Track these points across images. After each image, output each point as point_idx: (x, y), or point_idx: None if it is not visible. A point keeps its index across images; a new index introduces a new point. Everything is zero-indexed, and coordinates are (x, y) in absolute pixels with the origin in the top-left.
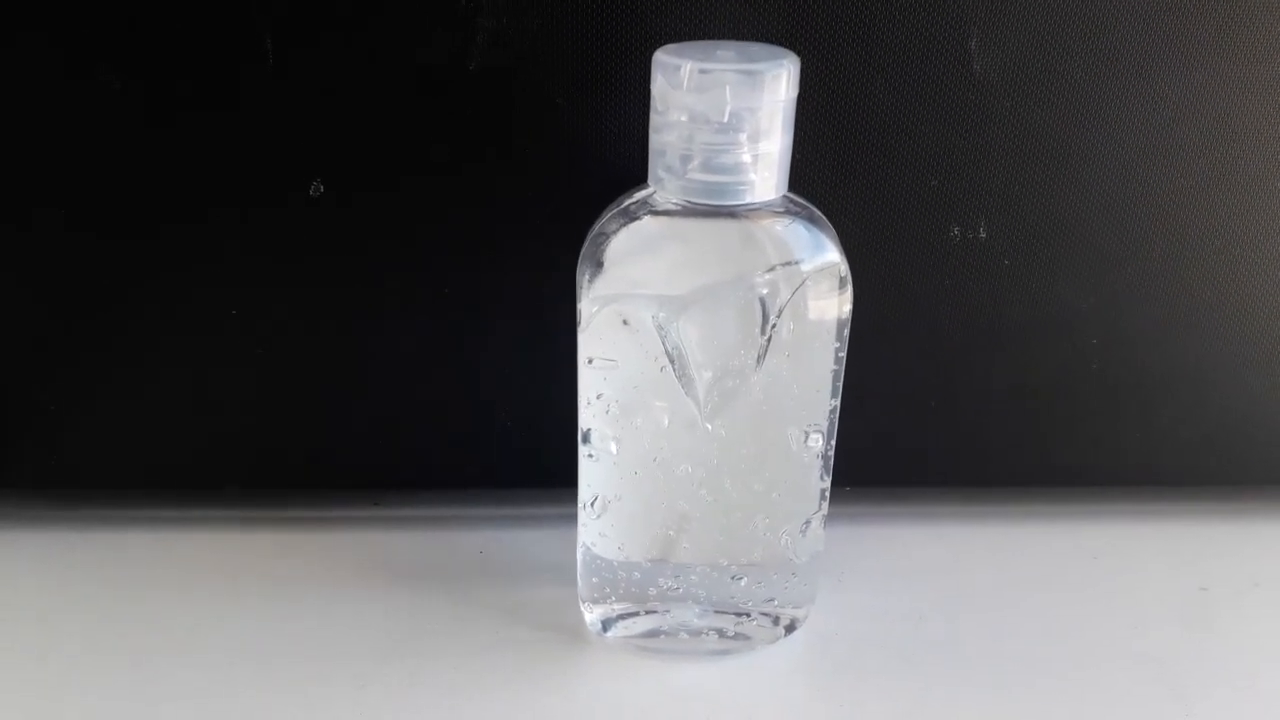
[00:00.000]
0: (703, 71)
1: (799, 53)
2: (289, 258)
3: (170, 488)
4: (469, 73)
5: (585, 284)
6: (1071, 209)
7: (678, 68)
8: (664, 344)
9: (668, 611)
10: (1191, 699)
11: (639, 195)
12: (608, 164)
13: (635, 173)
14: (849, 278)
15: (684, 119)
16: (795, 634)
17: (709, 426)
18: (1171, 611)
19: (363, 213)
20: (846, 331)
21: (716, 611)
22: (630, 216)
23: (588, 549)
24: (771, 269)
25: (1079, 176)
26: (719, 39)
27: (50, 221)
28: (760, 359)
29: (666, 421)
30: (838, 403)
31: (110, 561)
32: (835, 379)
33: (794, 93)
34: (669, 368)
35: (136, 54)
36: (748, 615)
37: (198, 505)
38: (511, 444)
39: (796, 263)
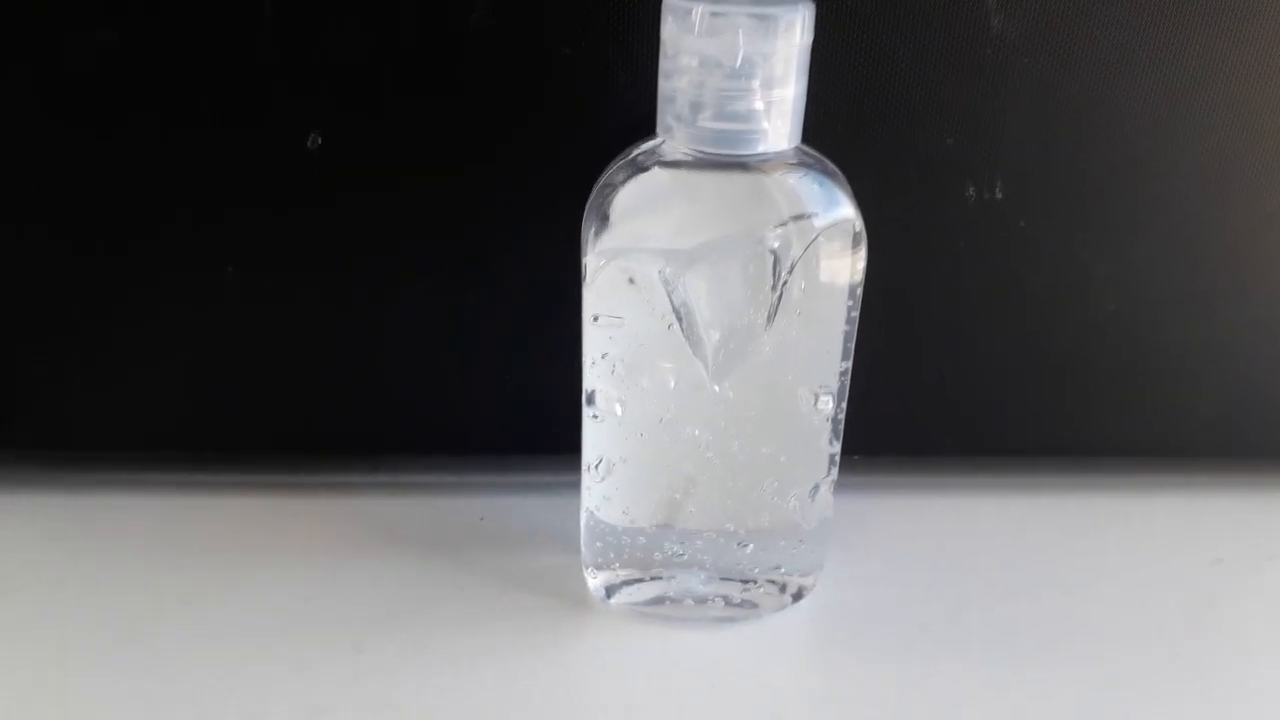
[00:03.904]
0: (714, 15)
1: (814, 1)
2: (288, 218)
3: (167, 451)
4: (472, 22)
5: (591, 238)
6: (1090, 171)
7: (689, 11)
8: (671, 300)
9: (673, 578)
10: (1206, 672)
11: (647, 146)
12: (616, 115)
13: (644, 125)
14: (863, 234)
15: (695, 64)
16: (802, 602)
17: (717, 388)
18: (1186, 584)
19: (364, 169)
20: (860, 290)
21: (723, 578)
22: (638, 167)
23: (591, 514)
24: (783, 223)
25: (1098, 138)
26: None
27: (49, 184)
28: (770, 317)
29: (673, 383)
30: (849, 365)
31: (107, 525)
32: (847, 340)
33: (808, 39)
34: (676, 326)
35: (135, 10)
36: (754, 582)
37: (195, 469)
38: (514, 407)
39: (809, 216)
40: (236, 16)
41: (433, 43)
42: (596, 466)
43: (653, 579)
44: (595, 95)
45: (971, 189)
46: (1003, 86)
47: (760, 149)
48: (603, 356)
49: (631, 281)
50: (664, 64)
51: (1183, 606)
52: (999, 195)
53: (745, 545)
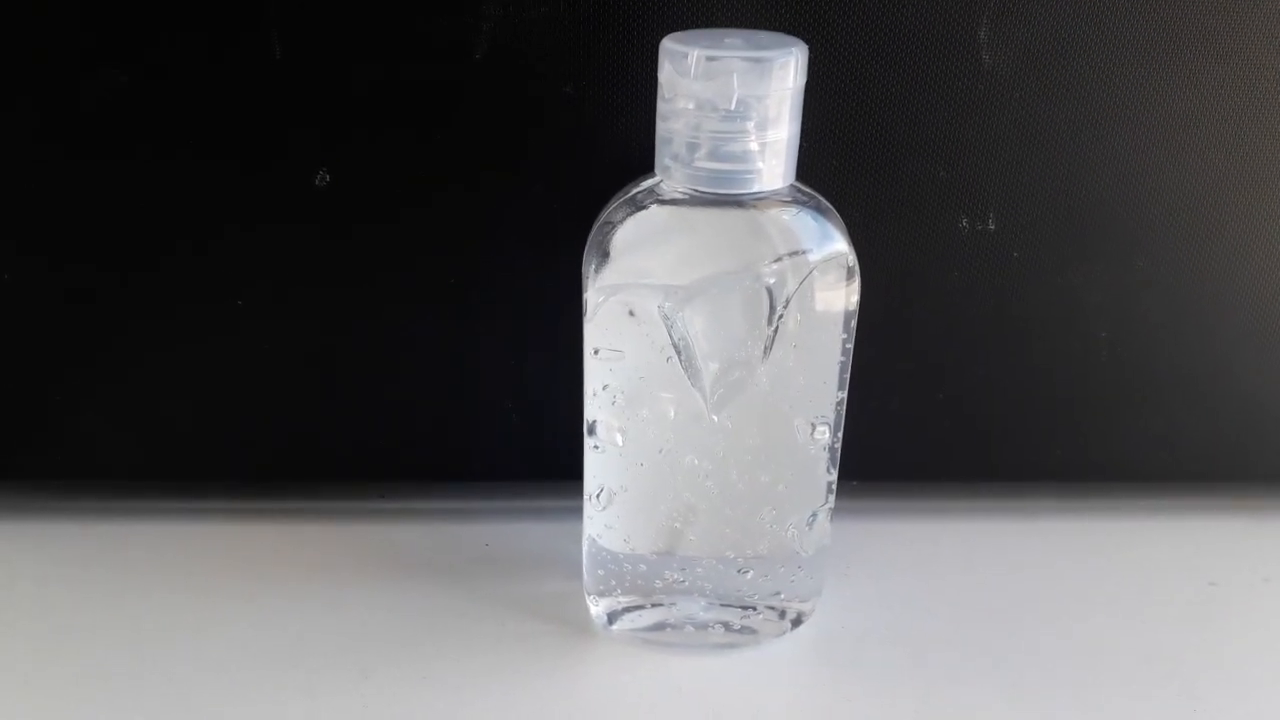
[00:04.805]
0: (710, 59)
1: (807, 41)
2: (295, 249)
3: (175, 480)
4: (475, 61)
5: (591, 274)
6: (1081, 201)
7: (685, 55)
8: (670, 334)
9: (674, 604)
10: (1201, 694)
11: (646, 184)
12: (615, 152)
13: (643, 162)
14: (856, 268)
15: (691, 107)
16: (801, 628)
17: (715, 418)
18: (1181, 607)
19: (369, 203)
20: (854, 322)
21: (722, 605)
22: (637, 205)
23: (593, 541)
24: (779, 259)
25: (1089, 168)
26: (728, 27)
27: (55, 213)
28: (767, 350)
29: (673, 413)
30: (845, 395)
31: (115, 553)
32: (842, 370)
33: (802, 81)
34: (675, 358)
35: (145, 47)
36: (754, 609)
37: (202, 498)
38: (517, 436)
39: (804, 252)
40: (247, 57)
41: (437, 81)
42: (598, 496)
43: (654, 606)
44: (595, 133)
45: (965, 221)
46: (994, 120)
47: (755, 188)
48: (604, 388)
49: (631, 315)
50: (661, 106)
51: (1178, 630)
52: (991, 226)
53: (745, 572)
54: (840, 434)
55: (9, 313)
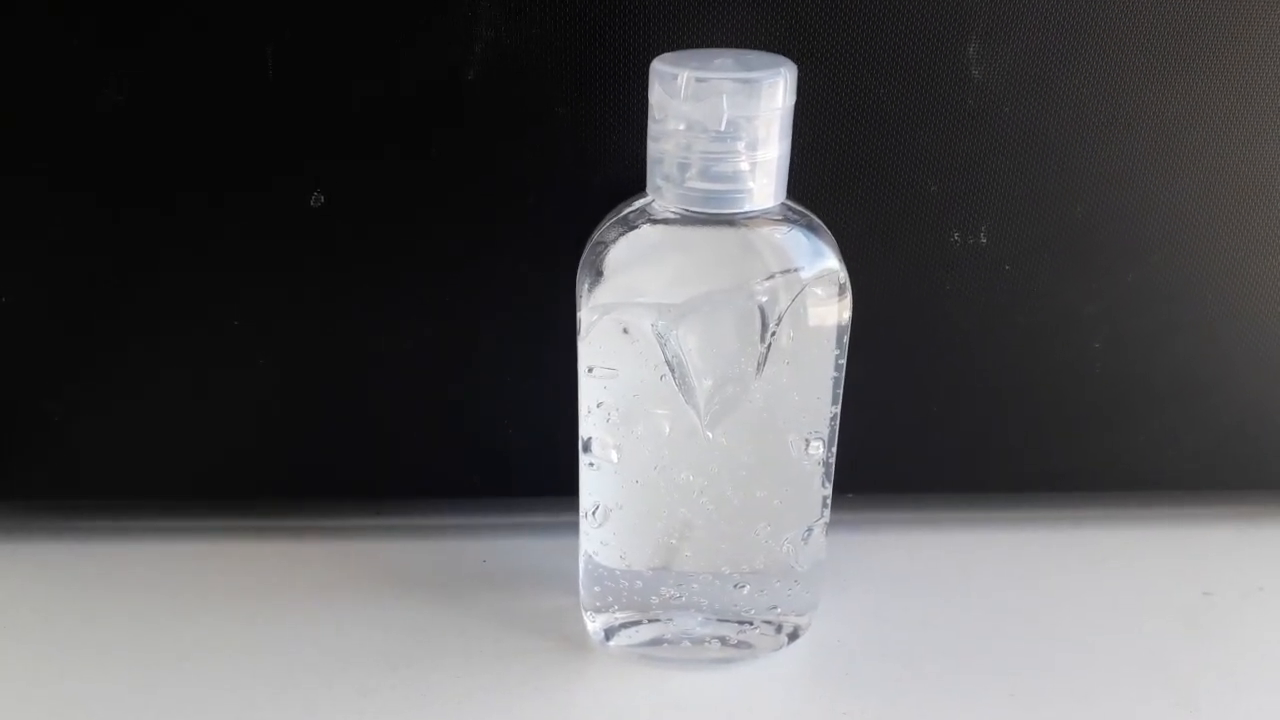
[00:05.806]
0: (700, 80)
1: (797, 60)
2: (291, 269)
3: (173, 498)
4: (468, 82)
5: (585, 293)
6: (1073, 213)
7: (675, 76)
8: (664, 352)
9: (670, 620)
10: (1196, 704)
11: (638, 204)
12: (607, 172)
13: (635, 182)
14: (848, 285)
15: (682, 127)
16: (798, 642)
17: (710, 434)
18: (1176, 616)
19: (364, 223)
20: (846, 338)
21: (719, 620)
22: (629, 225)
23: (590, 558)
24: (771, 276)
25: (1080, 181)
26: (718, 47)
27: (54, 232)
28: (760, 367)
29: (667, 429)
30: (838, 410)
31: (113, 572)
32: (836, 386)
33: (791, 100)
34: (669, 376)
35: (139, 68)
36: (750, 623)
37: (200, 516)
38: (513, 452)
39: (796, 270)
40: (241, 79)
41: (430, 102)
42: (594, 513)
43: (650, 621)
44: (588, 153)
45: (956, 235)
46: (985, 134)
47: (746, 207)
48: (598, 405)
49: (625, 333)
50: (652, 127)
51: (1173, 639)
52: (984, 240)
53: (741, 587)
54: (834, 448)
55: (10, 331)
